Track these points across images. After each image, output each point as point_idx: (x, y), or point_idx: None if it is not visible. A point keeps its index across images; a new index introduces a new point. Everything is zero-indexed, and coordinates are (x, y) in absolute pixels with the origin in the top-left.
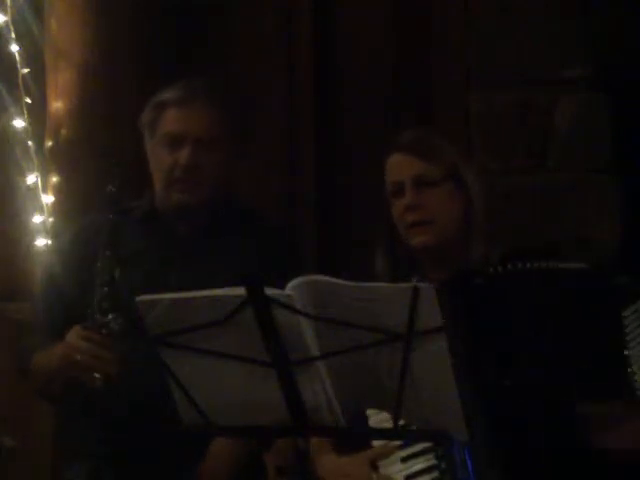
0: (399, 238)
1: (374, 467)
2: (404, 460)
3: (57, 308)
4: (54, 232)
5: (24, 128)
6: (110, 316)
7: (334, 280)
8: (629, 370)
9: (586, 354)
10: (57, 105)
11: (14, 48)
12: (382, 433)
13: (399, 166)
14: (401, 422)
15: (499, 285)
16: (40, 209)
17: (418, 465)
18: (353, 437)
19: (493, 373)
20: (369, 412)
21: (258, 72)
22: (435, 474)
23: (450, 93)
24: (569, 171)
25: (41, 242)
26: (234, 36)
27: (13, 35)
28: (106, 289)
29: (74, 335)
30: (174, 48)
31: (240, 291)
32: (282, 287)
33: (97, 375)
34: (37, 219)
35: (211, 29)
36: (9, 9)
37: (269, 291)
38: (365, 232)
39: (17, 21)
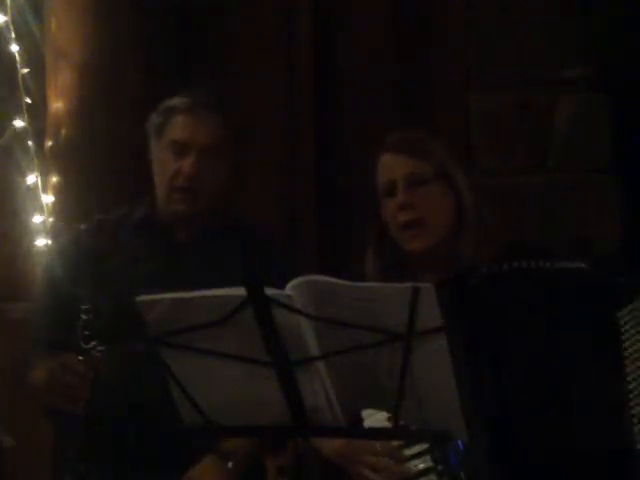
0: (389, 239)
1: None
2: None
3: (54, 313)
4: (54, 232)
5: (24, 128)
6: (91, 344)
7: (334, 280)
8: (624, 370)
9: (581, 354)
10: (57, 105)
11: (14, 48)
12: (382, 433)
13: (390, 165)
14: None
15: (495, 285)
16: (40, 209)
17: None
18: (353, 437)
19: (489, 373)
20: (365, 413)
21: (258, 72)
22: (429, 462)
23: (450, 93)
24: (569, 171)
25: (41, 242)
26: (234, 36)
27: (13, 35)
28: (88, 317)
29: (57, 367)
30: (174, 48)
31: (240, 291)
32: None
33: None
34: (37, 219)
35: (211, 29)
36: (9, 9)
37: (269, 291)
38: (365, 232)
39: (17, 21)
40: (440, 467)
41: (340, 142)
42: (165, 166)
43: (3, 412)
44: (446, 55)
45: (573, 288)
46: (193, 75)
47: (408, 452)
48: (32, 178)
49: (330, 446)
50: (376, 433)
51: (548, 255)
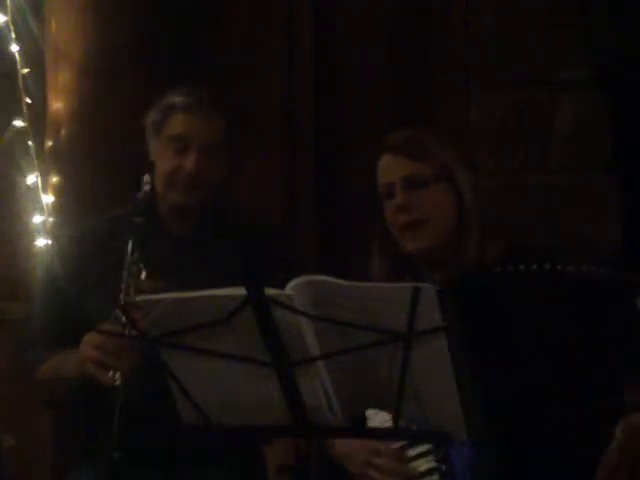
0: (393, 240)
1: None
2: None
3: (57, 311)
4: (54, 232)
5: (24, 128)
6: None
7: (334, 280)
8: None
9: (589, 357)
10: (57, 105)
11: (14, 48)
12: (382, 433)
13: (389, 167)
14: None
15: (502, 286)
16: (40, 209)
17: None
18: (353, 437)
19: (494, 374)
20: (369, 413)
21: (258, 72)
22: (433, 462)
23: (450, 93)
24: (569, 171)
25: (41, 242)
26: (234, 36)
27: (13, 35)
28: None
29: (93, 334)
30: (174, 48)
31: (240, 291)
32: (281, 288)
33: (112, 373)
34: (37, 219)
35: (211, 29)
36: (9, 9)
37: (269, 291)
38: (365, 232)
39: (17, 21)
40: (444, 467)
41: (340, 142)
42: (166, 161)
43: (3, 412)
44: (446, 55)
45: (579, 291)
46: (193, 75)
47: (412, 452)
48: (32, 178)
49: (340, 446)
50: (376, 433)
51: (552, 256)
